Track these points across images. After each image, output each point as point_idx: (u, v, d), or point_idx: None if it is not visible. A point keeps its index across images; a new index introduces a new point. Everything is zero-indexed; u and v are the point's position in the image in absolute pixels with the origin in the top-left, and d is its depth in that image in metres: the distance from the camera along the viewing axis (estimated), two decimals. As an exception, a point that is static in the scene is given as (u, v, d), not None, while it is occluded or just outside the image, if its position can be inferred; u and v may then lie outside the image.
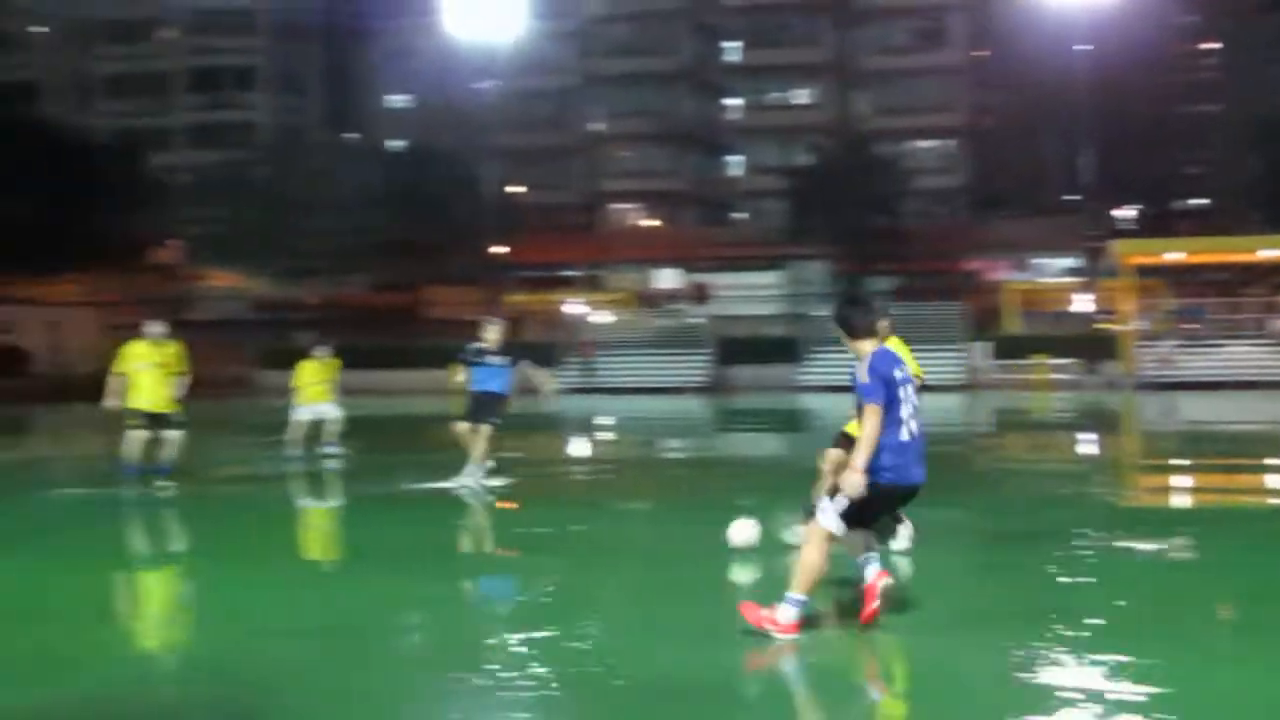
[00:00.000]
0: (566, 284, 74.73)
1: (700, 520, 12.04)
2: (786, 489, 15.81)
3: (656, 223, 78.26)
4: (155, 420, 15.70)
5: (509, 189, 69.65)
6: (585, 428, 28.41)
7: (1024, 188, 75.97)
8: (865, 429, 7.22)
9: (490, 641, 7.61)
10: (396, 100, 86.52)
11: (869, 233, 59.58)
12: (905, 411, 7.32)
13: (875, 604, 7.33)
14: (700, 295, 59.80)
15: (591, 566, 10.40)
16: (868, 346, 7.50)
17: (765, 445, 25.06)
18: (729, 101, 79.65)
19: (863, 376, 7.31)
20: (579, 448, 24.27)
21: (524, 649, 7.29)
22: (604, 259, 75.79)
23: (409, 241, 56.98)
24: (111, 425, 17.29)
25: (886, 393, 7.22)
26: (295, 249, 55.63)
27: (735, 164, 79.47)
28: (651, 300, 67.00)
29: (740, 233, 74.50)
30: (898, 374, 7.36)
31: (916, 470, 7.40)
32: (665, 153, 77.15)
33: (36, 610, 8.87)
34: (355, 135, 79.11)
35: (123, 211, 64.97)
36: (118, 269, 69.73)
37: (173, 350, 16.32)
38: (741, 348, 50.57)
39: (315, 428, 19.77)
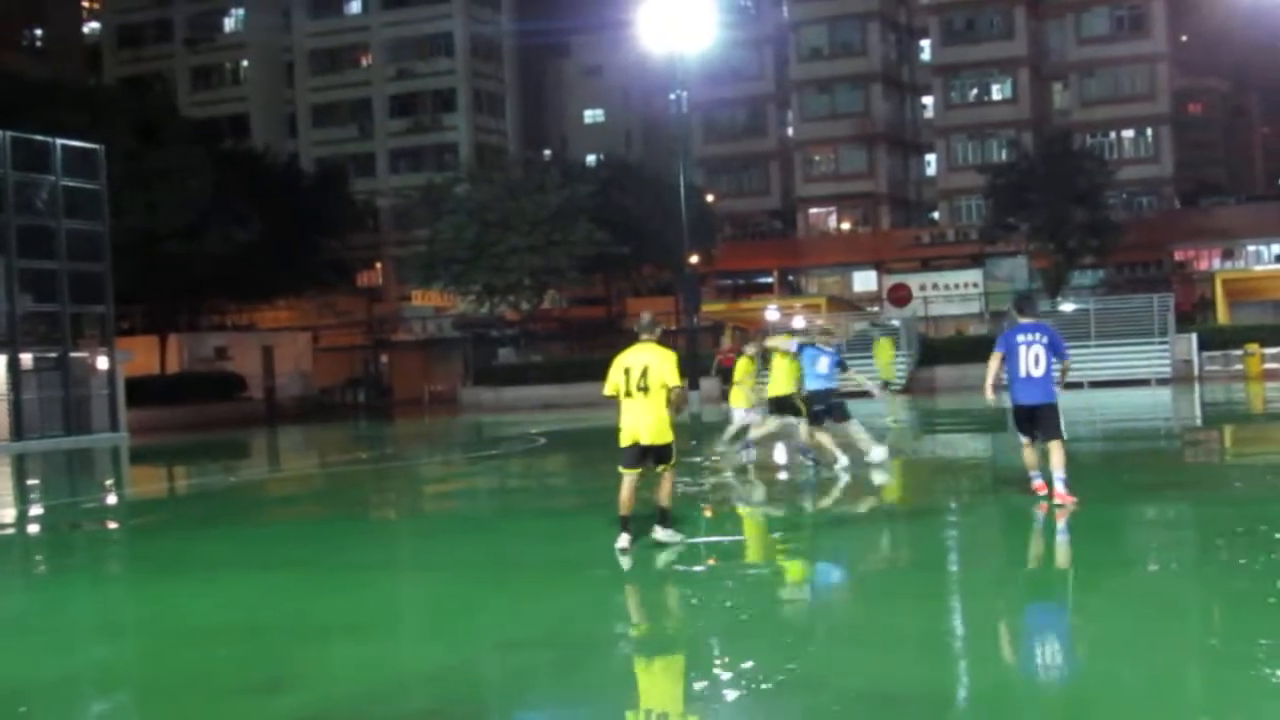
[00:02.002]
0: (764, 290, 74.87)
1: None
2: (986, 488, 15.75)
3: (853, 225, 77.84)
4: None
5: (705, 198, 70.06)
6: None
7: (1234, 174, 73.44)
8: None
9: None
10: (592, 115, 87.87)
11: (1071, 227, 58.27)
12: None
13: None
14: (900, 297, 59.25)
15: (812, 572, 10.55)
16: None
17: (973, 446, 24.78)
18: (925, 100, 78.88)
19: None
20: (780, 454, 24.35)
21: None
22: (801, 264, 75.73)
23: (606, 255, 57.77)
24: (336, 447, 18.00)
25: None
26: (496, 267, 56.82)
27: (932, 163, 78.60)
28: (850, 303, 66.64)
29: (939, 232, 73.65)
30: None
31: None
32: (861, 155, 76.72)
33: (268, 626, 9.39)
34: (550, 151, 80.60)
35: (331, 236, 67.34)
36: (327, 293, 72.24)
37: None
38: (943, 348, 50.11)
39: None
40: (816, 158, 77.57)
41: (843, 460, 16.87)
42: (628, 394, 11.06)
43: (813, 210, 77.94)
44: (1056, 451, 12.38)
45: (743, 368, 20.65)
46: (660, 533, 11.31)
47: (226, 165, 58.53)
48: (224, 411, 53.60)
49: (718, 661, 7.29)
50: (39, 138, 40.85)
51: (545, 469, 23.53)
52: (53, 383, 40.23)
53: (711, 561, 10.76)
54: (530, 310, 61.21)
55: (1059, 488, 12.34)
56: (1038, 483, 12.89)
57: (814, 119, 76.58)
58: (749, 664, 7.06)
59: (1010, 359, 12.55)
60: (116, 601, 11.02)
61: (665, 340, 11.74)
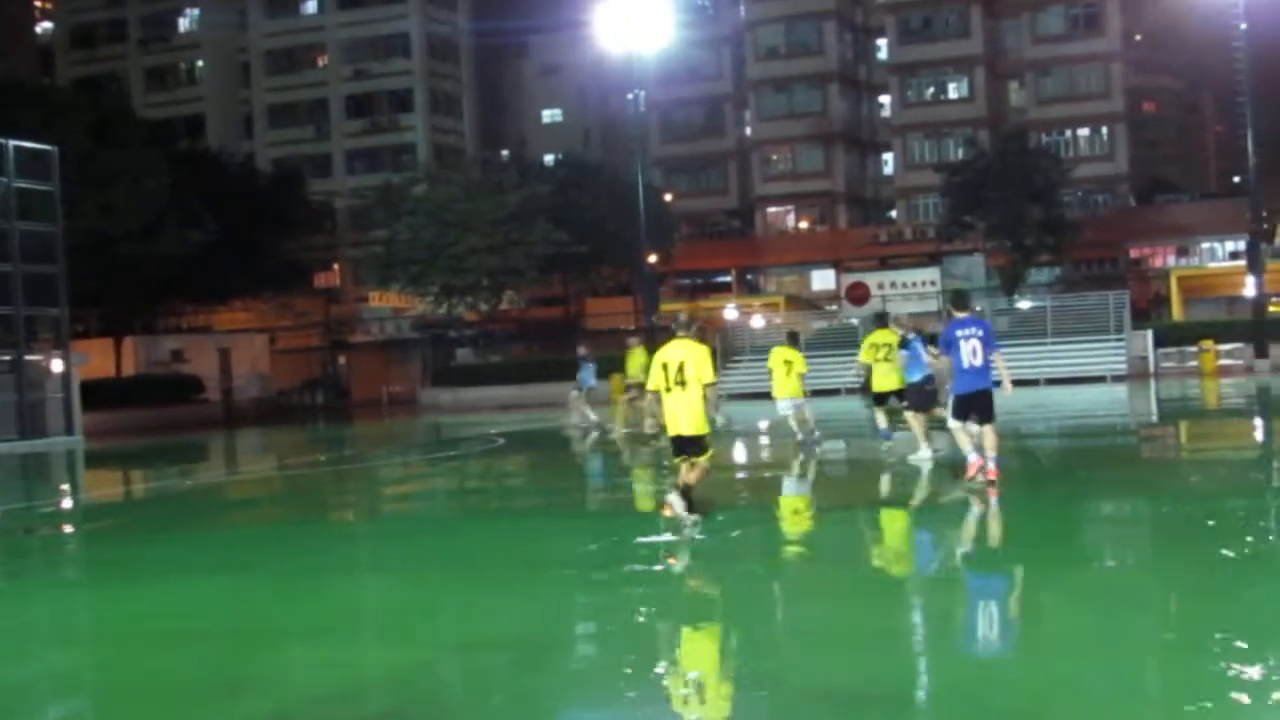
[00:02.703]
0: (722, 290, 75.03)
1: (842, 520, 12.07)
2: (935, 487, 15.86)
3: (811, 224, 78.11)
4: None
5: (663, 197, 70.13)
6: (746, 431, 28.54)
7: (1188, 171, 74.14)
8: None
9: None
10: (549, 115, 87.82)
11: (1028, 225, 58.68)
12: None
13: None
14: (858, 295, 59.48)
15: (777, 568, 10.59)
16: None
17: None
18: (882, 99, 79.24)
19: None
20: (739, 452, 24.43)
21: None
22: (759, 263, 75.95)
23: (565, 255, 57.73)
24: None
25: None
26: (454, 267, 56.67)
27: (890, 162, 78.99)
28: (808, 302, 66.86)
29: (896, 231, 74.01)
30: None
31: None
32: (819, 154, 77.02)
33: (234, 629, 9.36)
34: (508, 151, 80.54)
35: (288, 237, 67.02)
36: (284, 294, 71.87)
37: None
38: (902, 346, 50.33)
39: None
40: (774, 157, 77.81)
41: (925, 451, 17.01)
42: (667, 389, 11.64)
43: (771, 209, 78.18)
44: (992, 434, 13.50)
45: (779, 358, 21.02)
46: (675, 502, 11.62)
47: (182, 166, 58.17)
48: (181, 414, 53.25)
49: (680, 661, 7.31)
50: (-9, 139, 40.50)
51: (504, 469, 23.48)
52: (6, 386, 39.81)
53: (672, 561, 10.78)
54: (489, 311, 61.09)
55: (991, 465, 13.62)
56: (974, 458, 13.84)
57: (771, 118, 76.82)
58: (713, 662, 7.08)
59: (953, 352, 13.78)
60: (72, 607, 10.93)
61: (702, 336, 12.40)
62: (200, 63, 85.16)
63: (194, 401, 57.39)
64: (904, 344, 18.31)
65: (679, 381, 11.59)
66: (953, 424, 14.14)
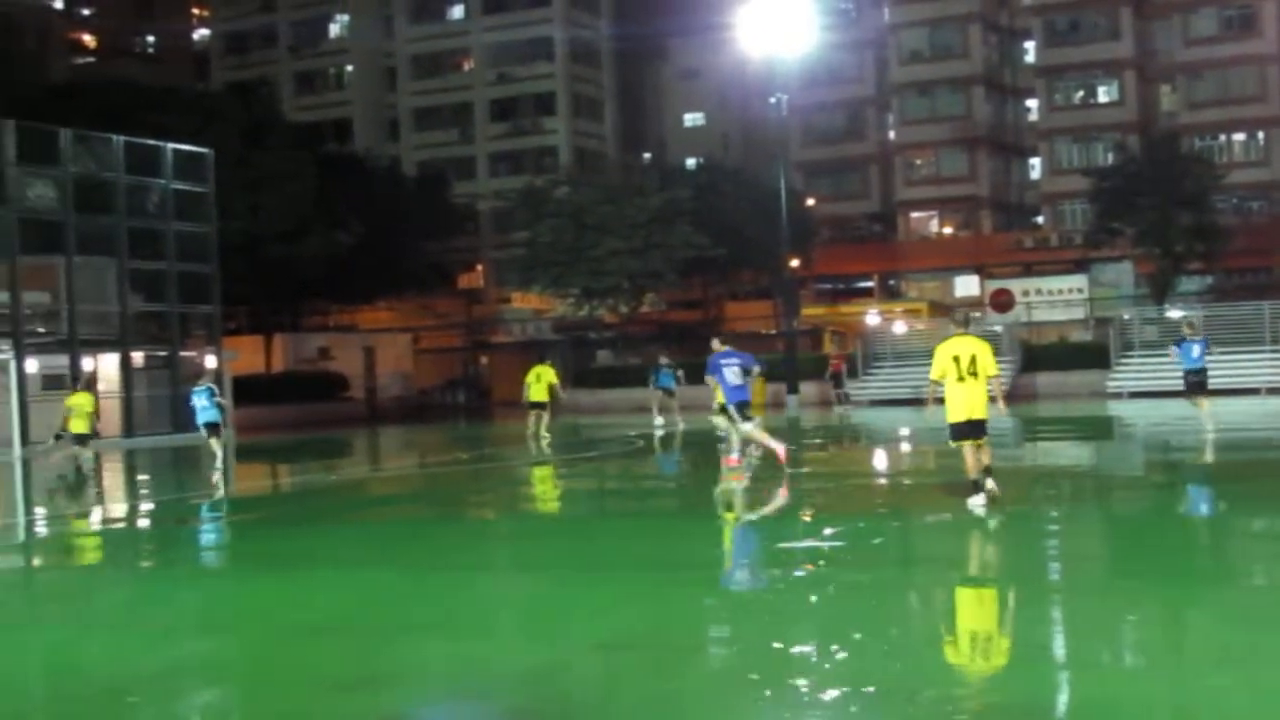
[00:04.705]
0: (863, 295, 74.36)
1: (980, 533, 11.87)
2: (1085, 495, 15.50)
3: (954, 229, 77.09)
4: None
5: (804, 201, 69.73)
6: (887, 438, 28.25)
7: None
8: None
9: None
10: (690, 118, 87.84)
11: (1178, 231, 57.16)
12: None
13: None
14: (1001, 302, 58.51)
15: (893, 576, 10.47)
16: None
17: (1076, 454, 24.44)
18: (1028, 103, 77.89)
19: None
20: (880, 459, 24.18)
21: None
22: (901, 268, 75.13)
23: (704, 258, 57.67)
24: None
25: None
26: (595, 269, 56.95)
27: (1036, 166, 77.59)
28: (950, 309, 65.98)
29: (1042, 237, 72.67)
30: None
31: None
32: (962, 158, 75.95)
33: (377, 623, 9.49)
34: (649, 155, 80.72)
35: (431, 239, 67.90)
36: (427, 295, 72.89)
37: None
38: (1045, 354, 49.41)
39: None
40: (917, 161, 76.91)
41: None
42: (960, 378, 12.97)
43: (913, 214, 77.28)
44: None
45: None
46: (989, 485, 13.10)
47: (330, 169, 59.28)
48: (326, 410, 54.25)
49: (814, 670, 7.24)
50: (150, 142, 41.76)
51: (642, 471, 23.55)
52: (161, 381, 41.05)
53: (810, 567, 10.69)
54: (628, 313, 61.28)
55: (735, 455, 18.30)
56: (737, 457, 18.46)
57: (914, 122, 75.92)
58: (847, 671, 7.00)
59: (719, 375, 18.09)
60: (218, 596, 11.19)
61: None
62: (348, 68, 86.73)
63: (339, 398, 58.43)
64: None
65: (972, 373, 12.93)
66: (746, 426, 18.32)
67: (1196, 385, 23.61)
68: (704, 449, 27.68)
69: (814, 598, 9.41)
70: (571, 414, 46.40)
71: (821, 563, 11.01)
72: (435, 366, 71.23)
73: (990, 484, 13.17)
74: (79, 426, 26.18)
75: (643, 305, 63.09)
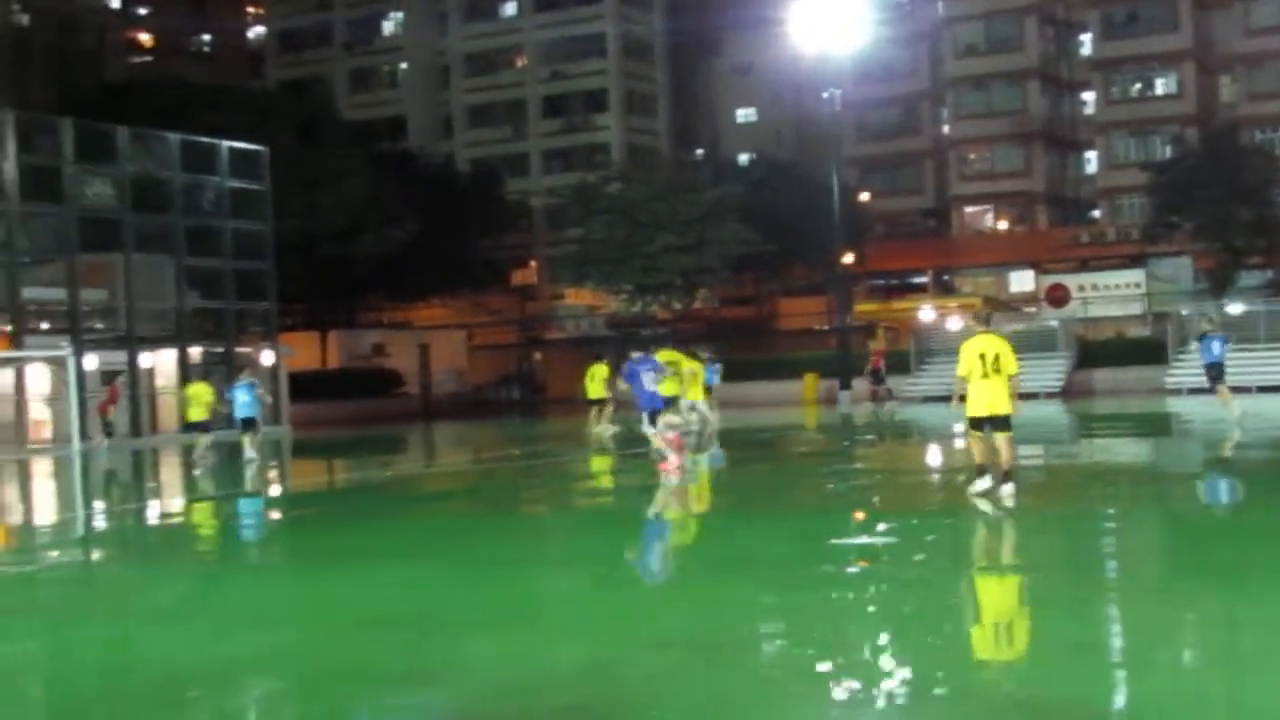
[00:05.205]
0: (917, 291, 73.97)
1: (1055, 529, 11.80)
2: (1146, 495, 15.37)
3: (1009, 225, 76.54)
4: None
5: (857, 197, 69.44)
6: (940, 434, 28.12)
7: None
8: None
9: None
10: (743, 114, 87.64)
11: (1238, 225, 56.45)
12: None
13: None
14: (1057, 297, 58.05)
15: (944, 575, 10.42)
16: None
17: (1133, 450, 24.22)
18: (1084, 96, 77.20)
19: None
20: (932, 455, 24.07)
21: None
22: (955, 264, 74.68)
23: (757, 255, 57.54)
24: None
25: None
26: (647, 266, 56.96)
27: (1091, 161, 76.90)
28: (1005, 305, 65.50)
29: (1098, 231, 72.04)
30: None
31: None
32: (1018, 153, 75.39)
33: (418, 617, 9.54)
34: (702, 151, 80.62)
35: (485, 236, 68.10)
36: (481, 292, 73.13)
37: None
38: (1101, 350, 48.98)
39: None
40: (972, 156, 76.42)
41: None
42: (984, 375, 13.64)
43: (968, 209, 76.81)
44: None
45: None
46: (1005, 489, 13.65)
47: (383, 167, 59.63)
48: (381, 407, 54.56)
49: (868, 668, 7.22)
50: (206, 140, 42.18)
51: (697, 468, 23.53)
52: (218, 377, 41.39)
53: (864, 563, 10.66)
54: (681, 309, 61.28)
55: (673, 458, 18.26)
56: (675, 459, 18.26)
57: (969, 116, 75.44)
58: (905, 670, 6.98)
59: (635, 381, 19.01)
60: (274, 590, 11.30)
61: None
62: (402, 66, 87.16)
63: (394, 395, 58.75)
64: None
65: (995, 370, 13.61)
66: (650, 430, 19.02)
67: (1216, 379, 25.09)
68: (747, 446, 27.67)
69: (868, 594, 9.38)
70: (624, 409, 46.37)
71: (876, 559, 10.98)
72: (489, 363, 71.46)
73: (1008, 489, 13.68)
74: (197, 414, 26.64)
75: (695, 301, 63.05)
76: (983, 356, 13.63)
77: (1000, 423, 13.79)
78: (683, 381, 25.24)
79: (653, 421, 19.14)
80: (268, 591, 11.26)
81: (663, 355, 24.57)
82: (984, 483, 13.93)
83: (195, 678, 7.59)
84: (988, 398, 13.71)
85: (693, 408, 26.58)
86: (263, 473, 24.92)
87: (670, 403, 23.89)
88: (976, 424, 13.97)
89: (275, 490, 22.64)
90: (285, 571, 12.82)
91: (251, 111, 51.85)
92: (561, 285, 73.61)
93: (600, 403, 29.75)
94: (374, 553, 12.77)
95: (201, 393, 27.03)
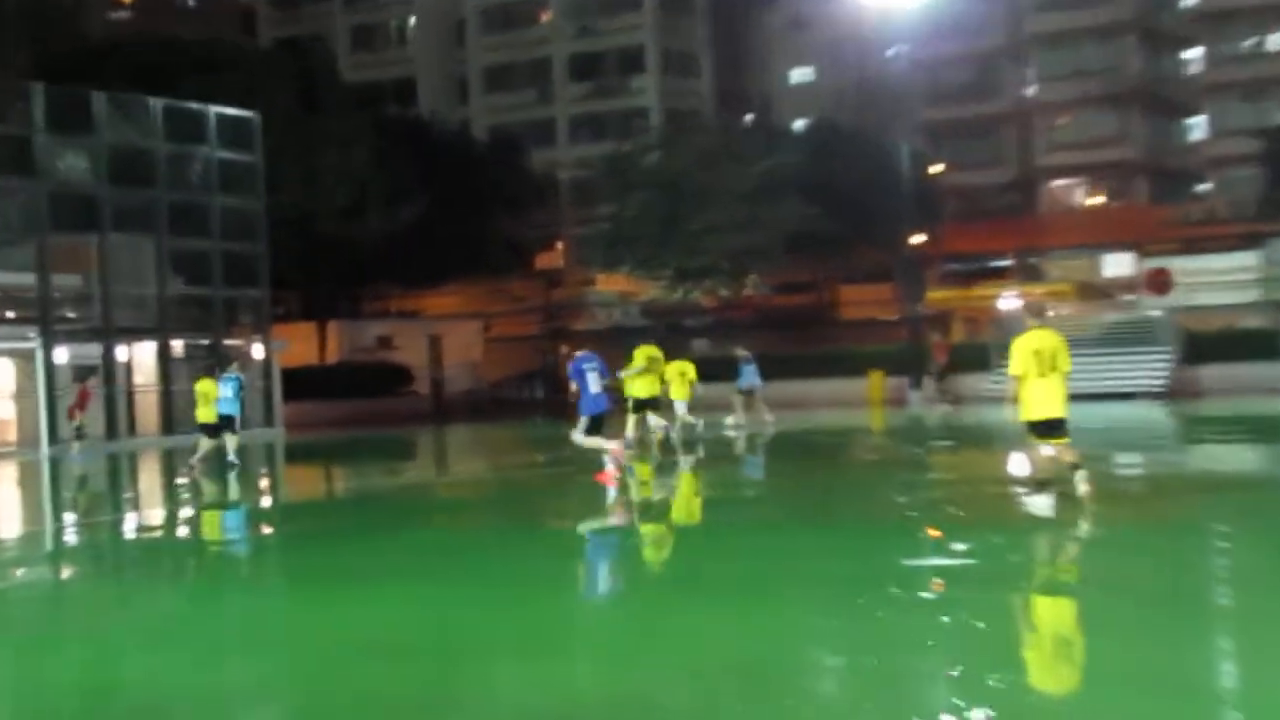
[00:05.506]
0: (998, 275, 73.62)
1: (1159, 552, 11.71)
2: (1263, 511, 15.25)
3: (1103, 200, 76.09)
4: None
5: (929, 170, 69.17)
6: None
7: None
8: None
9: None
10: (798, 75, 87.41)
11: (1368, 201, 56.03)
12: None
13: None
14: (1159, 283, 57.69)
15: (1028, 601, 10.37)
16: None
17: (1247, 460, 24.03)
18: (1187, 54, 76.64)
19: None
20: (1018, 464, 23.95)
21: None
22: (1042, 245, 74.28)
23: (816, 234, 57.35)
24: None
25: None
26: (690, 247, 56.88)
27: (1197, 127, 76.35)
28: (1100, 291, 65.18)
29: (1206, 208, 71.51)
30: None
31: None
32: (1112, 118, 74.91)
33: (439, 646, 9.56)
34: (752, 116, 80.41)
35: (505, 213, 68.11)
36: (501, 276, 73.17)
37: None
38: (1210, 344, 48.59)
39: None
40: (1059, 122, 75.99)
41: None
42: (1041, 374, 14.00)
43: (1055, 183, 76.38)
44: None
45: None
46: (1080, 481, 14.04)
47: (390, 135, 59.75)
48: (387, 407, 54.72)
49: (942, 705, 7.19)
50: (192, 105, 42.34)
51: (744, 475, 23.53)
52: (204, 373, 41.61)
53: (937, 586, 10.62)
54: (729, 297, 61.21)
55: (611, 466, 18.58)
56: (612, 466, 18.61)
57: (1055, 77, 74.96)
58: (974, 705, 6.95)
59: (581, 380, 19.11)
60: (270, 612, 11.33)
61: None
62: (411, 21, 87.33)
63: (401, 393, 58.87)
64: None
65: (1053, 368, 13.97)
66: (581, 439, 19.22)
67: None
68: (803, 452, 27.65)
69: (940, 621, 9.33)
70: (664, 411, 46.47)
71: (951, 581, 10.93)
72: (509, 357, 71.58)
73: (1082, 481, 14.05)
74: (207, 415, 26.81)
75: (745, 288, 62.98)
76: (1038, 353, 13.98)
77: (1057, 426, 14.16)
78: (662, 380, 26.39)
79: (593, 428, 19.28)
80: (258, 614, 11.30)
81: (643, 351, 25.61)
82: (1048, 498, 14.38)
83: (175, 710, 7.61)
84: (1047, 398, 14.05)
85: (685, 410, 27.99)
86: (249, 480, 25.04)
87: (652, 404, 25.63)
88: (1039, 429, 14.32)
89: (266, 501, 22.73)
90: (278, 591, 12.87)
91: (242, 74, 52.05)
92: (592, 269, 73.59)
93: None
94: (379, 571, 12.80)
95: (212, 390, 27.23)
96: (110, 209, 39.82)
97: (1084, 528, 13.48)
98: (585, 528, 16.03)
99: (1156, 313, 50.22)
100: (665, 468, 22.92)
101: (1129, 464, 20.83)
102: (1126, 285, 66.45)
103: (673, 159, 59.59)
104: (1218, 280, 58.60)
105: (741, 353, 34.35)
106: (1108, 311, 55.47)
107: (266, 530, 18.92)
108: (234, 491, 22.98)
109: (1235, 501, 16.38)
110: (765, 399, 34.14)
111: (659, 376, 26.21)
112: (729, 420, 33.20)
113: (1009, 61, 78.88)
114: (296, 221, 49.62)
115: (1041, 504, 14.17)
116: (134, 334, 41.36)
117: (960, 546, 12.64)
